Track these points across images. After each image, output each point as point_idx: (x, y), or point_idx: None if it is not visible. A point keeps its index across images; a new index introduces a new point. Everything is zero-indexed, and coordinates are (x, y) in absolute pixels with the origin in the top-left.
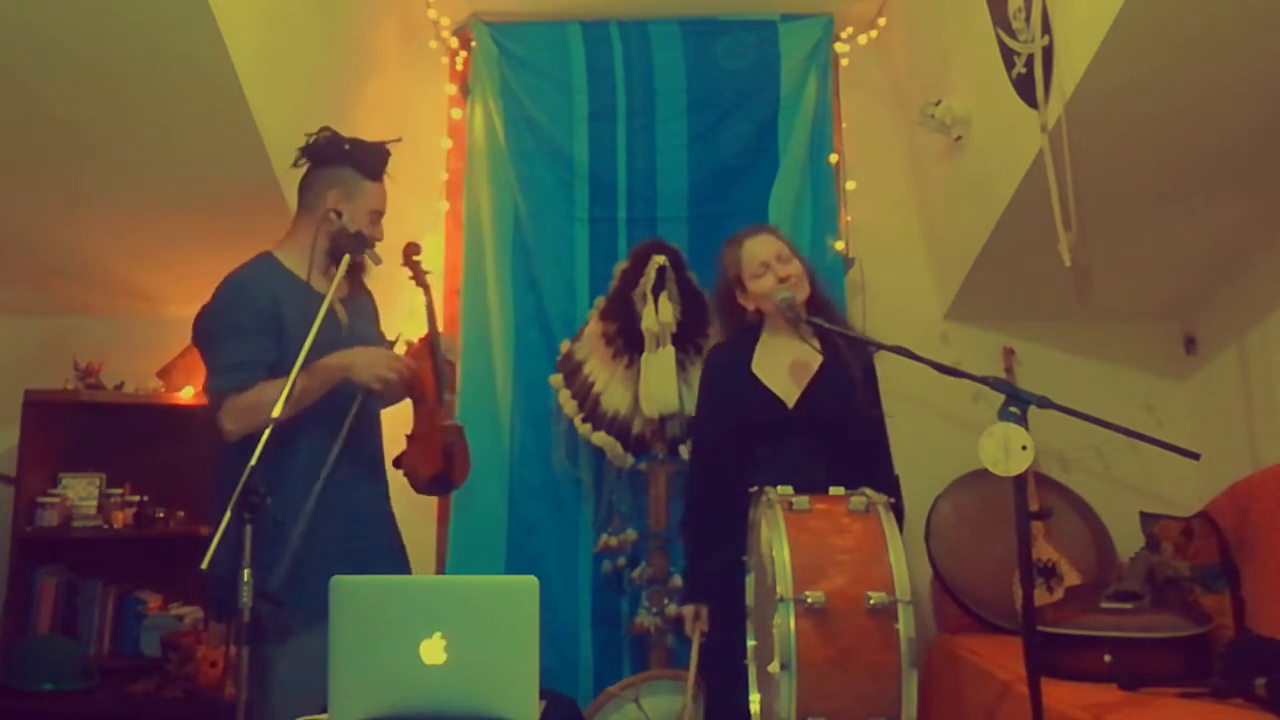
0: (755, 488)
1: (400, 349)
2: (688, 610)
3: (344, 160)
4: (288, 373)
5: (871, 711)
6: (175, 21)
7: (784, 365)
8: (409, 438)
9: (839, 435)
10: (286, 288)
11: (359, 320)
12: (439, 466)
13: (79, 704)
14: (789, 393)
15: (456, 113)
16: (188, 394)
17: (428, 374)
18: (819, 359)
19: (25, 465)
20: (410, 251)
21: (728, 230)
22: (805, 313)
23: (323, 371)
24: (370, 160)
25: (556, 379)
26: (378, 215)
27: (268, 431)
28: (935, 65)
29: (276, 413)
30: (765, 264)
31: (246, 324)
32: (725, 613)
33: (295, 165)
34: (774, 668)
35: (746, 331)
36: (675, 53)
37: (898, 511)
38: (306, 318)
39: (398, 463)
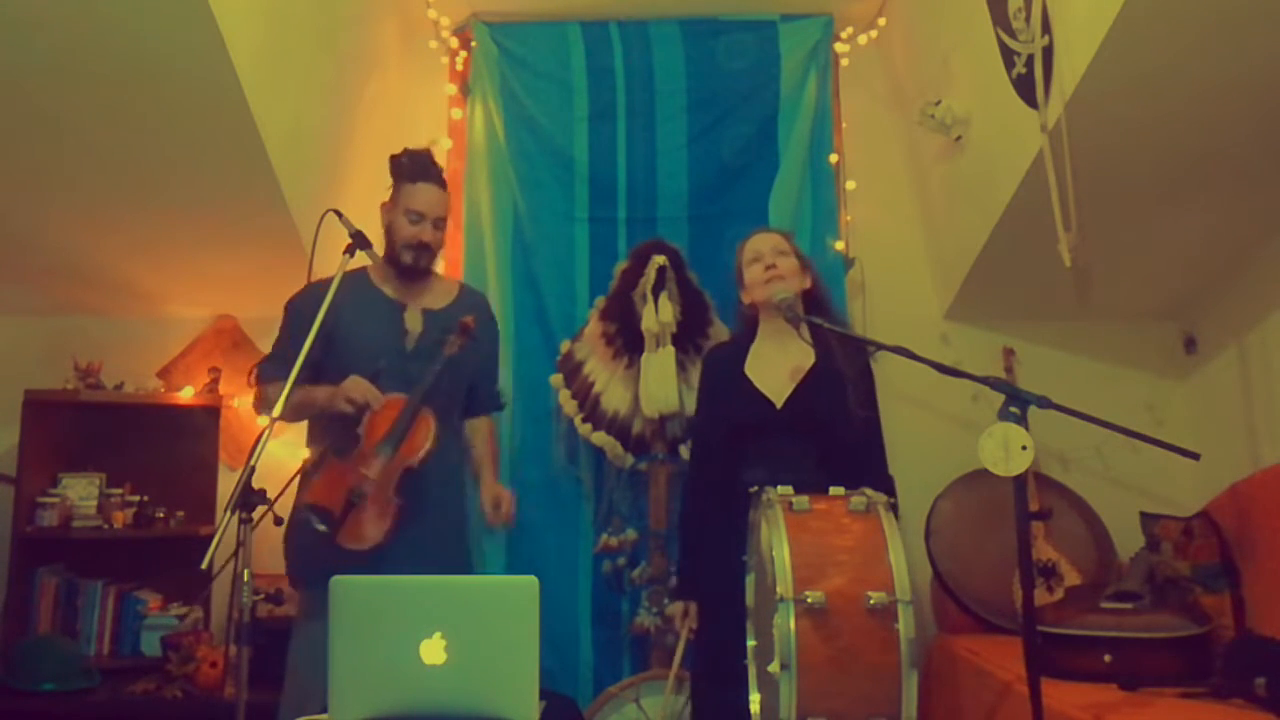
0: (755, 488)
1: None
2: (676, 607)
3: (394, 172)
4: (329, 371)
5: (871, 711)
6: (175, 22)
7: (776, 366)
8: (328, 461)
9: (829, 435)
10: (353, 294)
11: (437, 333)
12: (332, 504)
13: (79, 704)
14: (779, 393)
15: (456, 113)
16: (188, 394)
17: (383, 423)
18: (812, 359)
19: (25, 465)
20: (465, 328)
21: (728, 230)
22: (803, 312)
23: (320, 394)
24: (409, 164)
25: (556, 379)
26: (417, 215)
27: (267, 431)
28: (935, 65)
29: (276, 412)
30: (758, 254)
31: (295, 322)
32: (717, 611)
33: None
34: (774, 668)
35: (745, 332)
36: (675, 53)
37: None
38: (365, 323)
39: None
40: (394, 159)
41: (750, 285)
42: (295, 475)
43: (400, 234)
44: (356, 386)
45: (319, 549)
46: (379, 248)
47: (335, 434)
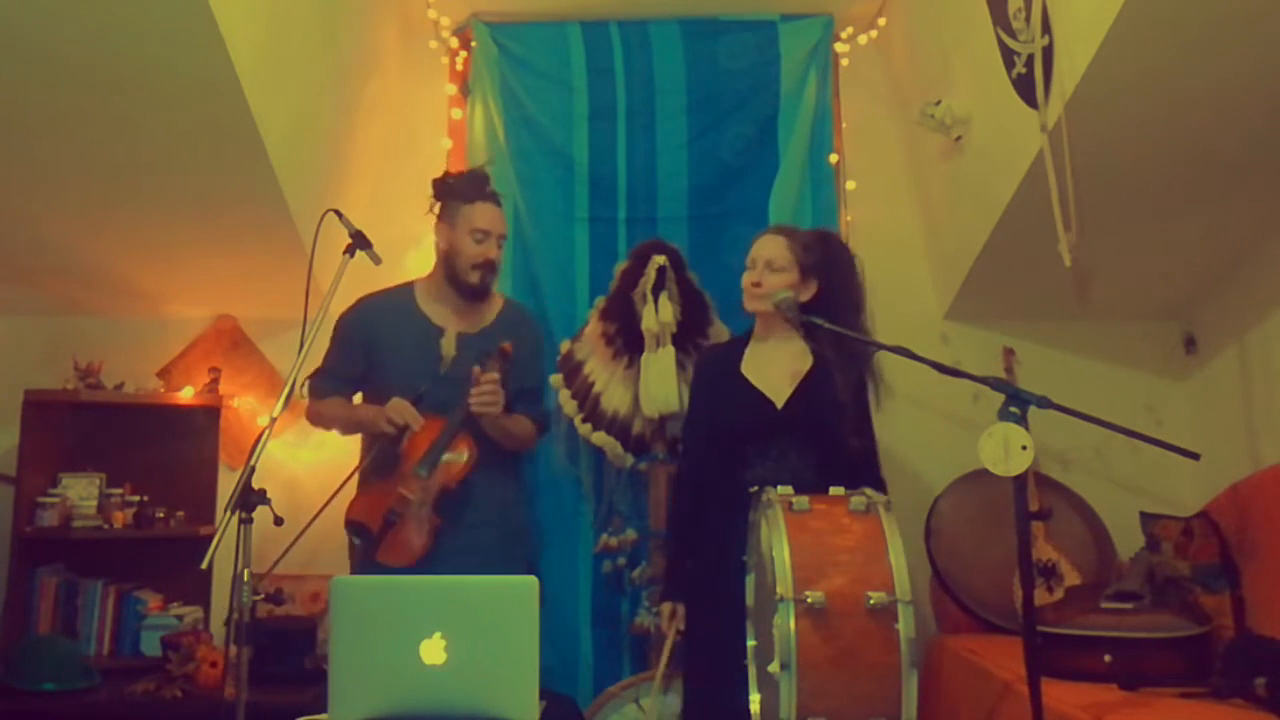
0: (755, 488)
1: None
2: (665, 607)
3: (445, 194)
4: (374, 385)
5: (871, 711)
6: (175, 23)
7: (774, 367)
8: (369, 480)
9: (829, 437)
10: (396, 314)
11: (470, 358)
12: (370, 522)
13: (79, 704)
14: (778, 393)
15: (456, 113)
16: (188, 394)
17: (422, 444)
18: (809, 361)
19: (25, 465)
20: (503, 354)
21: (728, 230)
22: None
23: (365, 413)
24: (464, 185)
25: (556, 379)
26: (483, 234)
27: (266, 435)
28: (935, 65)
29: (276, 412)
30: (753, 261)
31: (342, 339)
32: (709, 611)
33: (430, 211)
34: (774, 668)
35: (742, 333)
36: (675, 53)
37: None
38: (403, 345)
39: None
40: (440, 181)
41: (744, 287)
42: (347, 480)
43: (466, 254)
44: (398, 409)
45: (374, 558)
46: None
47: (379, 453)
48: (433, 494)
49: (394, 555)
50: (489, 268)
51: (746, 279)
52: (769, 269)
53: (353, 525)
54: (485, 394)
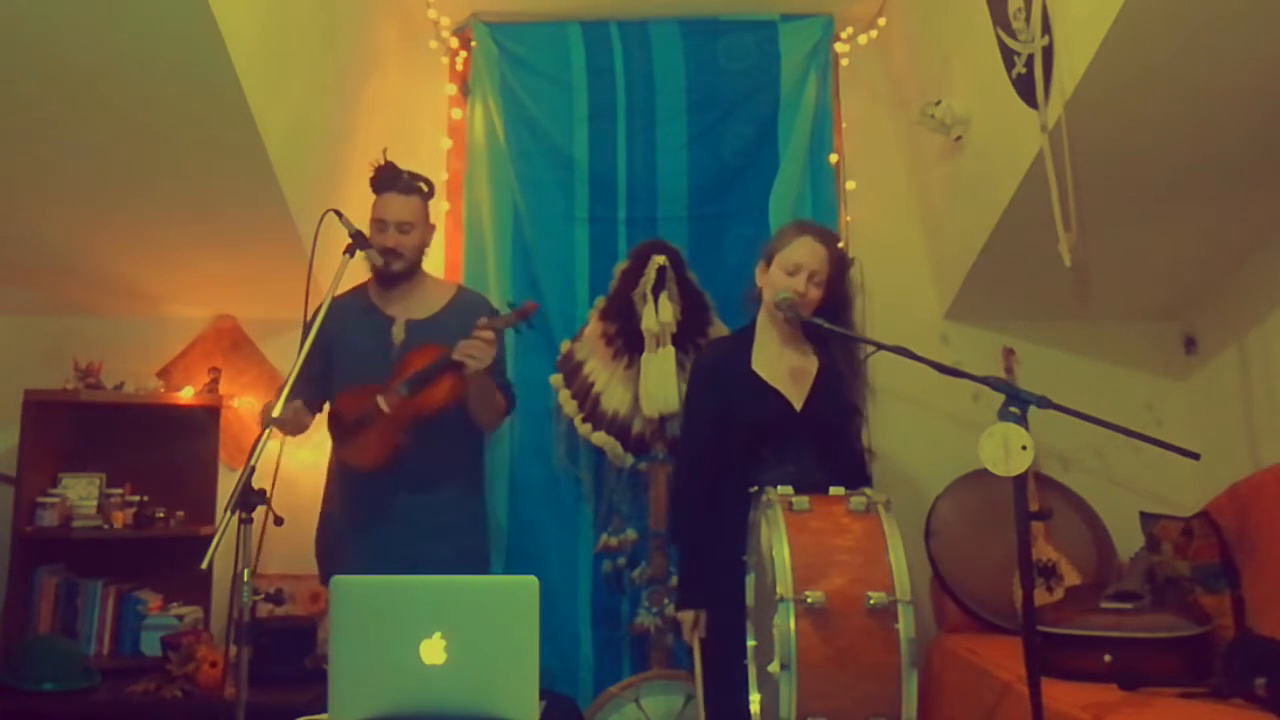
0: (755, 488)
1: None
2: (686, 616)
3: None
4: (337, 377)
5: (871, 711)
6: (175, 23)
7: (783, 367)
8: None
9: (841, 440)
10: (351, 311)
11: (418, 343)
12: (346, 414)
13: (79, 704)
14: (795, 395)
15: (456, 113)
16: (188, 394)
17: (415, 363)
18: (815, 362)
19: (25, 465)
20: (523, 312)
21: (728, 230)
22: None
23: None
24: (376, 178)
25: (556, 379)
26: (380, 224)
27: (266, 435)
28: (935, 65)
29: (276, 412)
30: (798, 266)
31: (311, 344)
32: (724, 613)
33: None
34: (774, 668)
35: (739, 335)
36: (675, 53)
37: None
38: (357, 337)
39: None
40: (371, 177)
41: (771, 284)
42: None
43: (372, 243)
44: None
45: (344, 548)
46: None
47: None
48: (406, 416)
49: (354, 455)
50: (389, 253)
51: (788, 282)
52: (812, 282)
53: (332, 414)
54: (474, 347)
